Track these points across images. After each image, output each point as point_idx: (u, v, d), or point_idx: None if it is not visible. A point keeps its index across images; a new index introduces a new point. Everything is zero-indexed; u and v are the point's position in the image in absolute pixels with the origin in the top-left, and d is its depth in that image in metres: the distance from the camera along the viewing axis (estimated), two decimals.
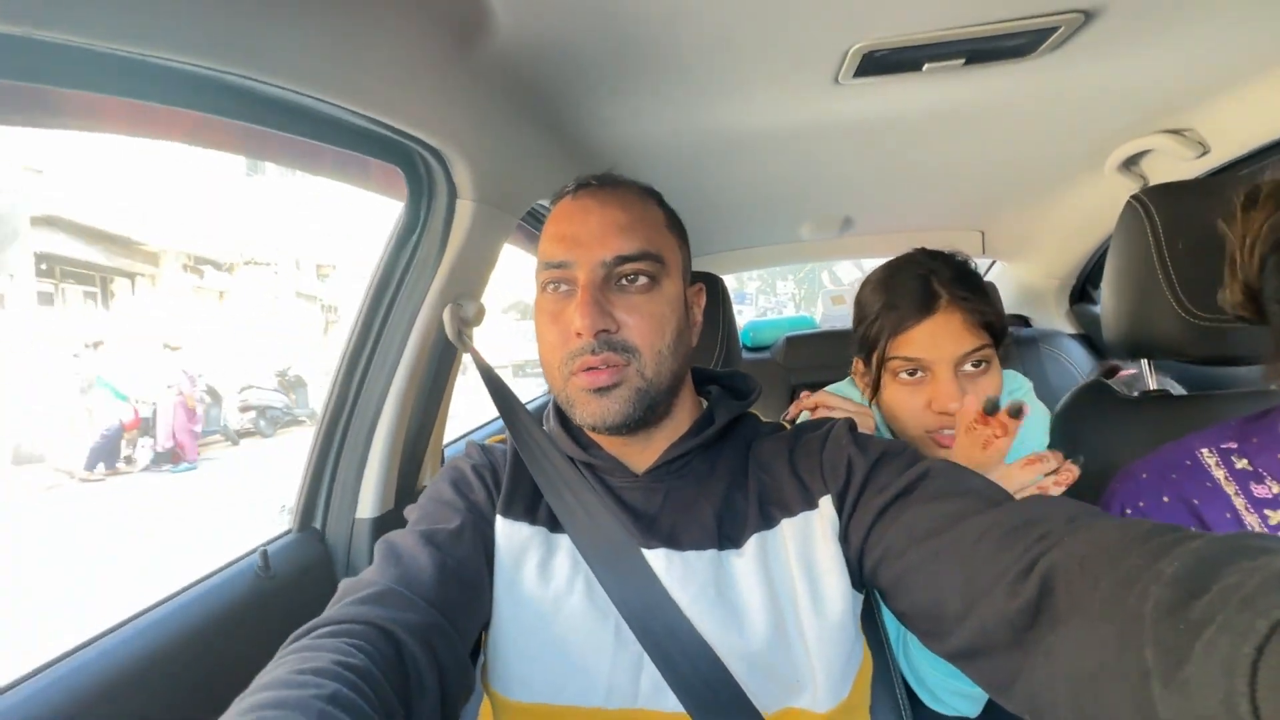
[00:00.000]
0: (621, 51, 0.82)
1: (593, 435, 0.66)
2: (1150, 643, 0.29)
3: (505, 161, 0.94)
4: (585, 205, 0.62)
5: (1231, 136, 1.15)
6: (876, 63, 0.87)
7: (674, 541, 0.59)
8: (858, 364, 0.92)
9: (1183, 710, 0.27)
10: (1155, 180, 1.35)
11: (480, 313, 0.99)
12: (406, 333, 0.91)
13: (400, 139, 0.77)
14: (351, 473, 0.90)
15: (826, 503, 0.59)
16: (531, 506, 0.63)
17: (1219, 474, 0.67)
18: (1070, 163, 1.44)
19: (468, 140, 0.83)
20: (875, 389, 0.87)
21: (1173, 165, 1.27)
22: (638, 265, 0.59)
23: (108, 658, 0.60)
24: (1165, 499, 0.68)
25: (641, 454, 0.64)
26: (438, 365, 0.99)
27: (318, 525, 0.89)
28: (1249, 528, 0.64)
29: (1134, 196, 0.89)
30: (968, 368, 0.81)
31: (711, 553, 0.58)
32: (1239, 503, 0.65)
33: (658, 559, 0.58)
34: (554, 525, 0.62)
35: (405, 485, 0.97)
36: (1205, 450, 0.69)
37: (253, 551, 0.78)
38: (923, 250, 0.88)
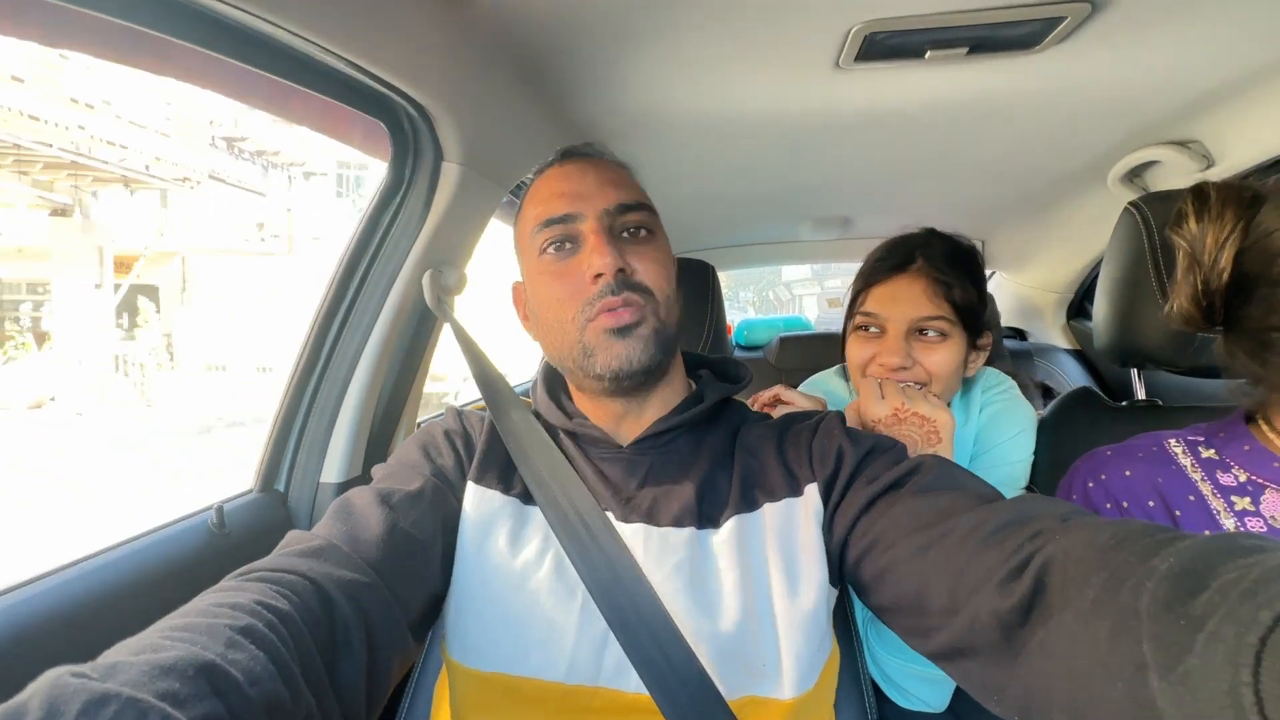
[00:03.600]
0: (614, 19, 0.79)
1: (582, 406, 0.66)
2: (1148, 637, 0.29)
3: (495, 127, 0.92)
4: (580, 166, 0.63)
5: (1237, 150, 1.13)
6: (878, 47, 0.85)
7: (652, 517, 0.59)
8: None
9: (1184, 701, 0.26)
10: None
11: (462, 282, 0.97)
12: (384, 295, 0.89)
13: (384, 91, 0.75)
14: (319, 435, 0.88)
15: (812, 490, 0.59)
16: (506, 476, 0.62)
17: (1185, 461, 0.68)
18: (1073, 172, 1.42)
19: (454, 100, 0.81)
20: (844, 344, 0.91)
21: (1176, 179, 1.25)
22: (639, 215, 0.61)
23: (49, 596, 0.58)
24: (1127, 473, 0.69)
25: (632, 425, 0.64)
26: (415, 332, 0.96)
27: (280, 487, 0.87)
28: (1215, 512, 0.64)
29: (1131, 203, 0.87)
30: (921, 335, 0.83)
31: (690, 531, 0.58)
32: (1205, 488, 0.65)
33: (635, 534, 0.58)
34: (528, 496, 0.61)
35: (375, 452, 0.94)
36: (1172, 441, 0.70)
37: (209, 508, 0.76)
38: (931, 230, 0.90)
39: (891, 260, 0.86)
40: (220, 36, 0.61)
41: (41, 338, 9.03)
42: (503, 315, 0.74)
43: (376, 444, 0.95)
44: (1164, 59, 0.92)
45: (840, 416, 0.65)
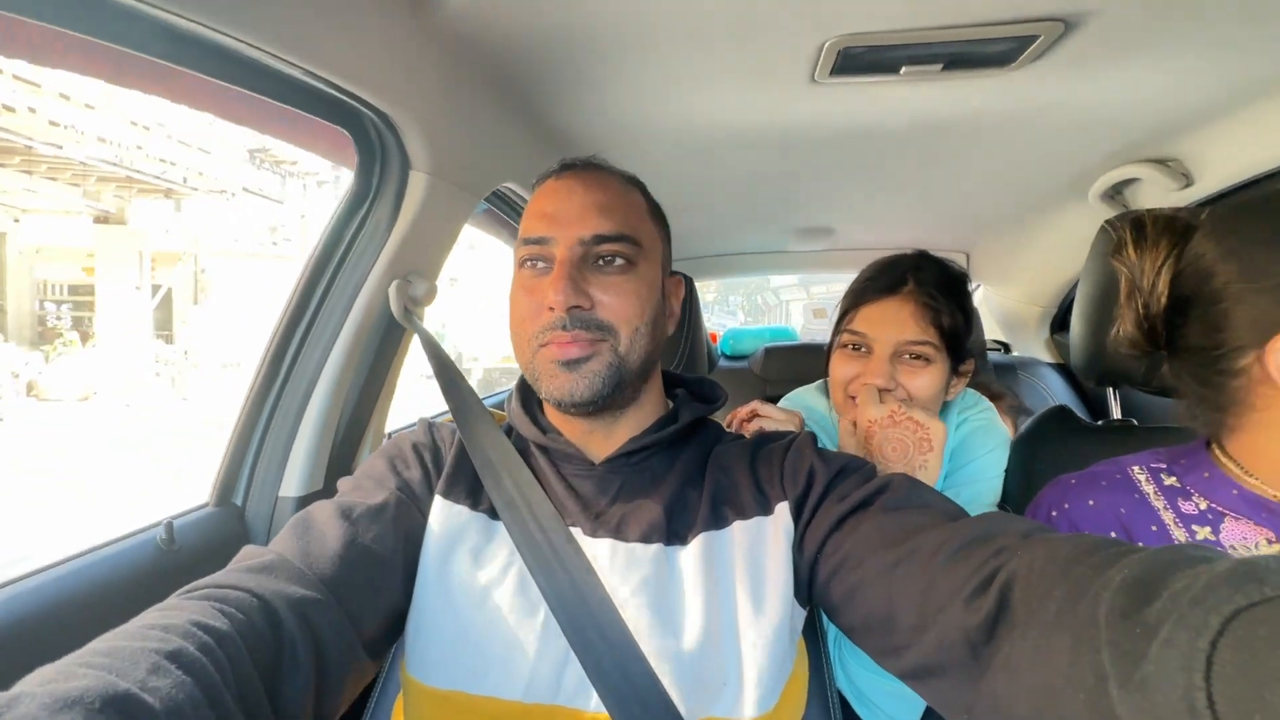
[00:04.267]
0: (588, 33, 0.78)
1: (555, 420, 0.66)
2: (1106, 645, 0.30)
3: (465, 138, 0.91)
4: (569, 185, 0.62)
5: (1217, 169, 1.13)
6: (853, 62, 0.84)
7: (620, 533, 0.58)
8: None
9: (1141, 708, 0.27)
10: None
11: (431, 293, 0.96)
12: (349, 305, 0.87)
13: (348, 100, 0.74)
14: (279, 448, 0.86)
15: (783, 509, 0.59)
16: (474, 490, 0.62)
17: (1148, 489, 0.68)
18: (1055, 188, 1.42)
19: (421, 110, 0.79)
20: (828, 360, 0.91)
21: (1156, 196, 1.25)
22: (615, 246, 0.59)
23: None
24: (1091, 502, 0.69)
25: (603, 442, 0.63)
26: (381, 343, 0.95)
27: (238, 501, 0.85)
28: (1175, 541, 0.64)
29: (1108, 222, 0.86)
30: (906, 359, 0.83)
31: (657, 547, 0.57)
32: (1167, 517, 0.65)
33: (602, 549, 0.57)
34: (495, 512, 0.61)
35: (338, 465, 0.92)
36: (1136, 467, 0.70)
37: (159, 523, 0.74)
38: (923, 252, 0.91)
39: (882, 281, 0.86)
40: (177, 48, 0.60)
41: (86, 336, 9.52)
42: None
43: (340, 457, 0.93)
44: (1142, 78, 0.91)
45: (813, 437, 0.65)
